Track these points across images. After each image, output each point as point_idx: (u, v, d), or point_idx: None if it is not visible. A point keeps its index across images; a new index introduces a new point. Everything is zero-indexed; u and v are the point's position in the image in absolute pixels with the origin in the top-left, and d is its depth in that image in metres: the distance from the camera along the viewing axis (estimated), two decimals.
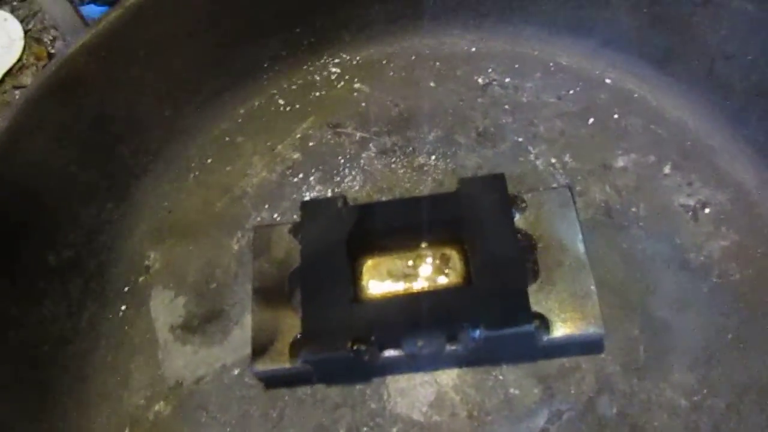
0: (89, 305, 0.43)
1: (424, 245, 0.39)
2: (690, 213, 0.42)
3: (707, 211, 0.42)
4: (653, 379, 0.37)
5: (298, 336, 0.37)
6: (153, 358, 0.42)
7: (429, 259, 0.39)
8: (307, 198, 0.45)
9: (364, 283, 0.39)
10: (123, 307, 0.43)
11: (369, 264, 0.39)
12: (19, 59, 0.63)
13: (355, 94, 0.49)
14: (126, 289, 0.44)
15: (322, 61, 0.50)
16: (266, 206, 0.45)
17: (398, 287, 0.38)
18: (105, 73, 0.43)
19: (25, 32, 0.64)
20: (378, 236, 0.39)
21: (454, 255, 0.39)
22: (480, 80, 0.48)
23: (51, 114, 0.41)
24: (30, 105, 0.41)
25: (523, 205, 0.40)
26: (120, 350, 0.42)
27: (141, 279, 0.44)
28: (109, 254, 0.44)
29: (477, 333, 0.35)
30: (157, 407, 0.40)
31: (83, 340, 0.42)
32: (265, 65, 0.49)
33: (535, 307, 0.36)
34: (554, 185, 0.43)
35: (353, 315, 0.36)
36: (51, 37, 0.65)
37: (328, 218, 0.39)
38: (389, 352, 0.37)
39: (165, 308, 0.43)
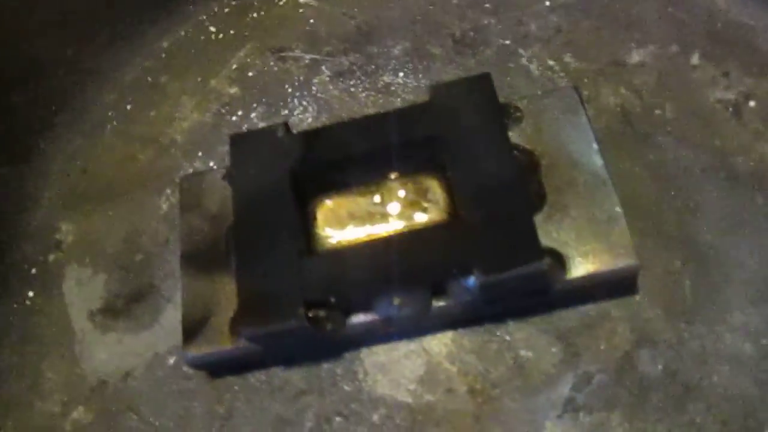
0: None
1: (393, 176, 0.30)
2: (730, 109, 0.33)
3: (752, 104, 0.33)
4: (706, 322, 0.29)
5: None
6: (68, 353, 0.33)
7: (401, 192, 0.30)
8: None
9: (318, 230, 0.30)
10: (30, 294, 0.35)
11: (323, 206, 0.30)
12: None
13: (301, 10, 0.40)
14: (33, 271, 0.35)
15: None
16: (199, 154, 0.37)
17: (363, 232, 0.29)
18: None
19: None
20: (333, 169, 0.30)
21: (433, 184, 0.30)
22: None
23: None
24: None
25: (518, 114, 0.31)
26: (28, 347, 0.34)
27: (51, 257, 0.36)
28: (9, 230, 0.36)
29: (471, 280, 0.27)
30: (75, 414, 0.32)
31: None
32: None
33: (545, 241, 0.27)
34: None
35: (306, 272, 0.28)
36: None
37: (267, 152, 0.30)
38: (358, 318, 0.28)
39: (81, 290, 0.34)
